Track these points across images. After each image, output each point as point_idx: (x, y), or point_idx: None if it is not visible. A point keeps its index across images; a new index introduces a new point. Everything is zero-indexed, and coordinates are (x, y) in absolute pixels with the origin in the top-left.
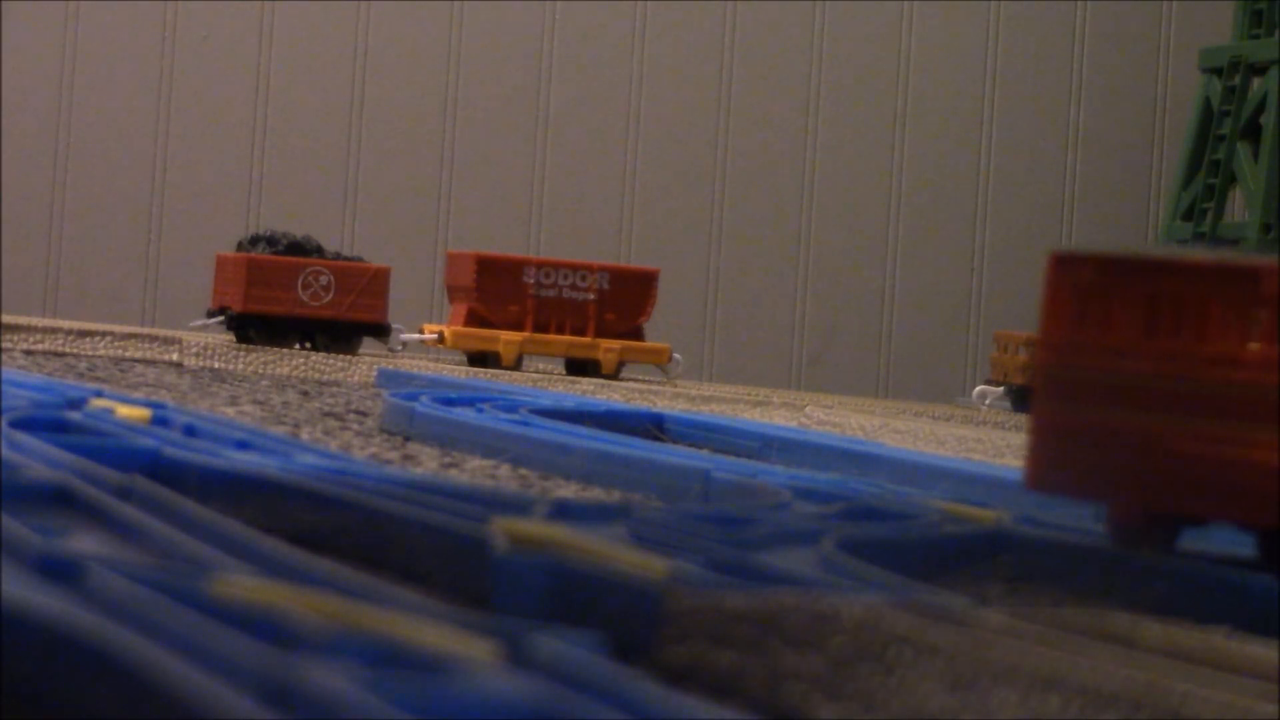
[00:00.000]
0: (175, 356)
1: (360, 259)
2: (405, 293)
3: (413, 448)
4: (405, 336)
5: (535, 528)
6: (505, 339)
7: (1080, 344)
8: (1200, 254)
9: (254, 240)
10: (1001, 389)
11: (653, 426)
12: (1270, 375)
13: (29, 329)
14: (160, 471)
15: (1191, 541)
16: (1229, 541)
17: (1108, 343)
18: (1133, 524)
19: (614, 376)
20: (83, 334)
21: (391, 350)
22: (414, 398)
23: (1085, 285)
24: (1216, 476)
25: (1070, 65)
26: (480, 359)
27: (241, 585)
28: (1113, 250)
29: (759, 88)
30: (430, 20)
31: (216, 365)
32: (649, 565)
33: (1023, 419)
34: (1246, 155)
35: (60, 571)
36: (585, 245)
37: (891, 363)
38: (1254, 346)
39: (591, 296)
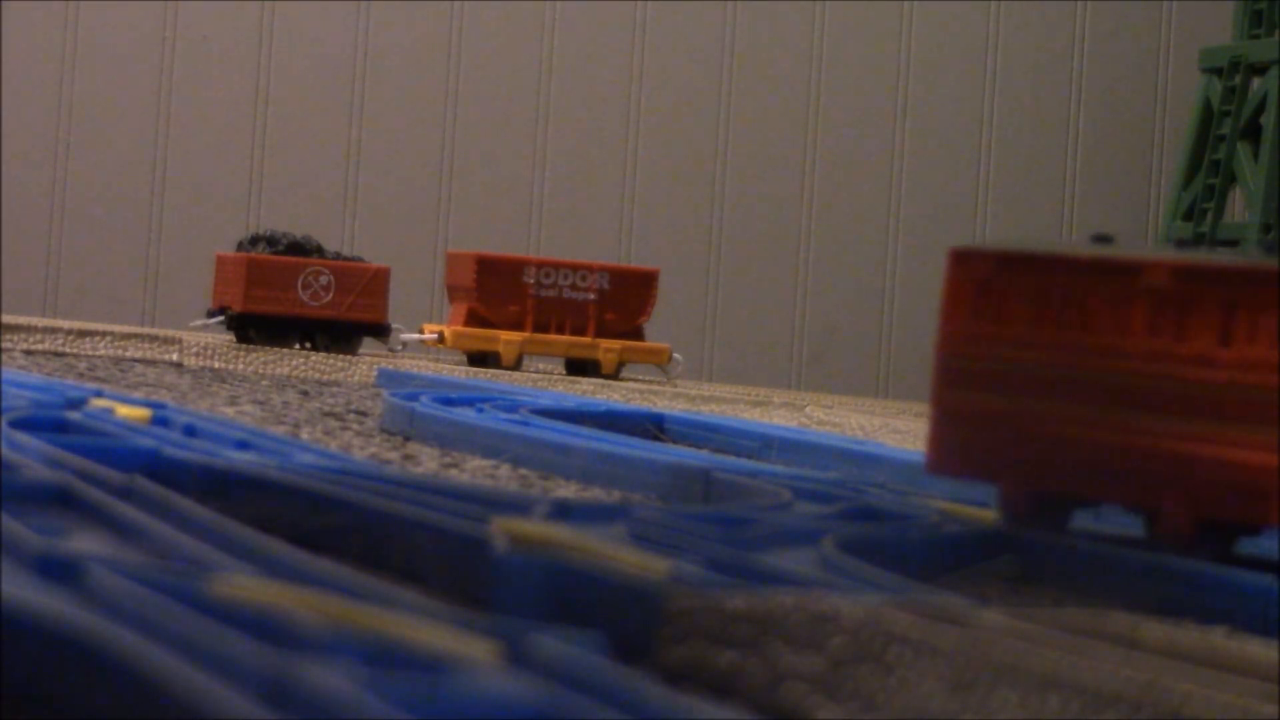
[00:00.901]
0: (175, 356)
1: (360, 259)
2: (405, 293)
3: (413, 448)
4: (405, 336)
5: (535, 528)
6: (505, 339)
7: (976, 335)
8: (1086, 249)
9: (254, 240)
10: None
11: (653, 426)
12: (1151, 365)
13: (29, 329)
14: (160, 471)
15: (1082, 522)
16: (1119, 522)
17: (1002, 334)
18: (1024, 505)
19: (614, 376)
20: (83, 334)
21: (391, 350)
22: (414, 398)
23: (982, 279)
24: (1103, 460)
25: (1070, 65)
26: (480, 359)
27: (241, 585)
28: (1007, 246)
29: (759, 88)
30: (430, 20)
31: (216, 365)
32: (649, 565)
33: None
34: (1246, 155)
35: (60, 571)
36: (585, 245)
37: (891, 363)
38: (1137, 338)
39: (591, 296)
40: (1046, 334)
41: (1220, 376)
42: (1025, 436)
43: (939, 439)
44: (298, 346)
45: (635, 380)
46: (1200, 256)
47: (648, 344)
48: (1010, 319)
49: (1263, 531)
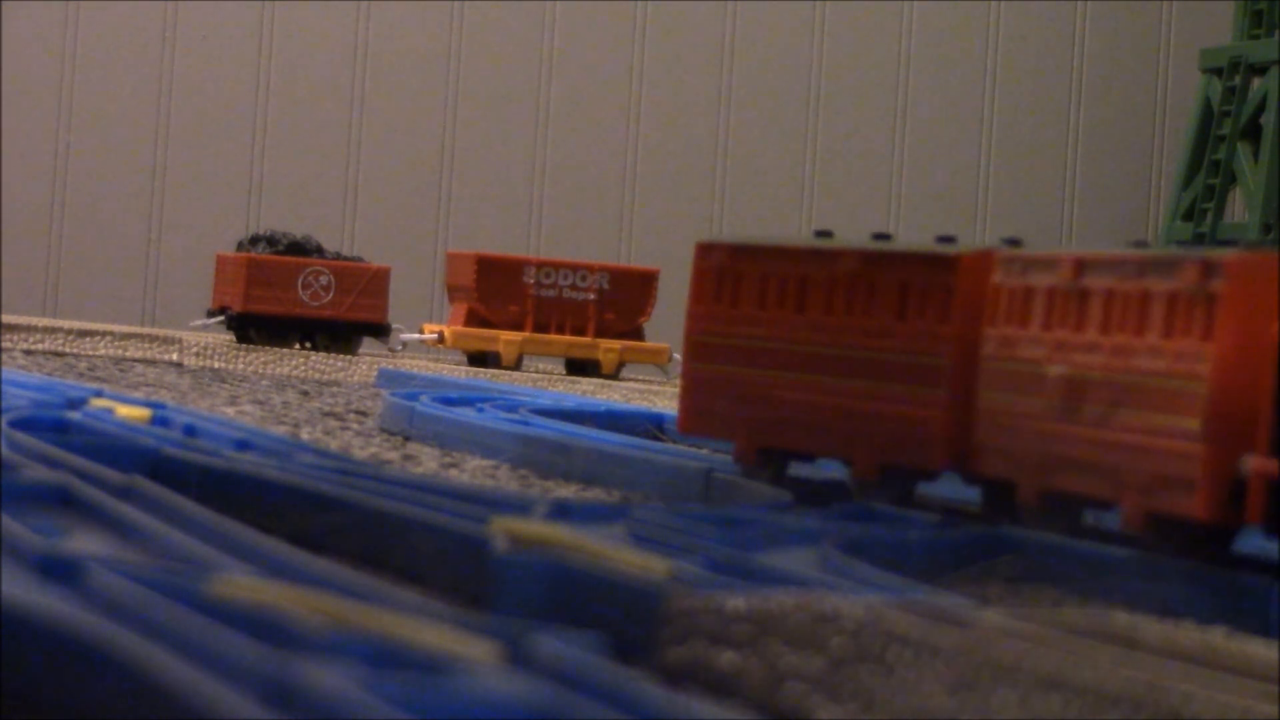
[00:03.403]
0: (175, 356)
1: (360, 259)
2: (405, 293)
3: (413, 448)
4: (405, 336)
5: (535, 528)
6: (505, 339)
7: (715, 315)
8: (802, 241)
9: (254, 240)
10: None
11: (653, 426)
12: (845, 337)
13: (29, 329)
14: (160, 471)
15: (797, 470)
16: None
17: (735, 313)
18: (750, 458)
19: (614, 376)
20: (83, 334)
21: (391, 350)
22: (414, 398)
23: (720, 267)
24: (810, 419)
25: (1070, 65)
26: (480, 359)
27: (241, 585)
28: (741, 238)
29: (759, 88)
30: (430, 20)
31: (216, 365)
32: (649, 565)
33: None
34: (1246, 155)
35: (60, 571)
36: (585, 245)
37: None
38: (836, 314)
39: (591, 296)
40: (769, 313)
41: (897, 345)
42: (751, 400)
43: (686, 404)
44: (298, 346)
45: (635, 380)
46: (885, 245)
47: (648, 344)
48: (741, 300)
49: (936, 476)
